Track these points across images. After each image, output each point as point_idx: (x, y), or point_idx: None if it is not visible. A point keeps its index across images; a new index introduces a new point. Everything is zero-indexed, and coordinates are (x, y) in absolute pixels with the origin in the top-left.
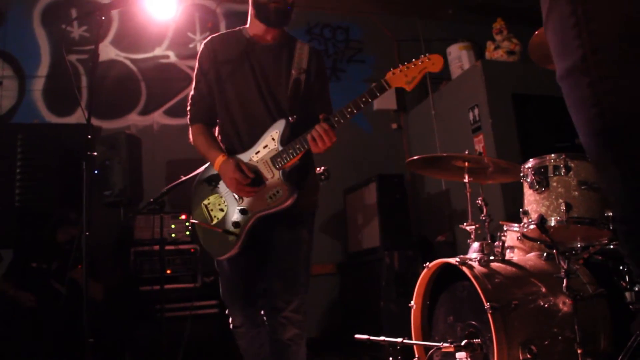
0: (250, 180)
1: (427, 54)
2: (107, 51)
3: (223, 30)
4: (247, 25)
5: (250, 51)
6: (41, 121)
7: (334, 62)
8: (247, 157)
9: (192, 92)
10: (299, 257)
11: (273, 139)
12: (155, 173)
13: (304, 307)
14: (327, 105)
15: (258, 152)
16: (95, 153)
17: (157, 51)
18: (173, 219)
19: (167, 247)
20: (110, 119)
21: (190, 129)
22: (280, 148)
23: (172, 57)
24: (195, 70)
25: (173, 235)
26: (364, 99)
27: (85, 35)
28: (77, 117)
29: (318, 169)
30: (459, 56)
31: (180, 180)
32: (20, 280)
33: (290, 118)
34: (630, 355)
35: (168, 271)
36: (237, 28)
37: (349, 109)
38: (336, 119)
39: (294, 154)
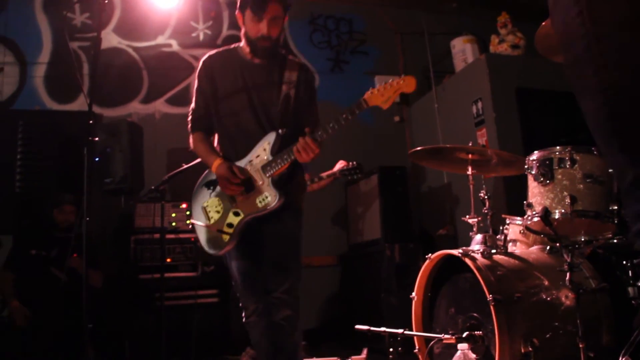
0: (238, 180)
1: (402, 76)
2: (110, 39)
3: (226, 20)
4: (242, 44)
5: (245, 69)
6: (42, 108)
7: (337, 53)
8: (241, 164)
9: (192, 105)
10: (288, 244)
11: (264, 150)
12: (156, 161)
13: (295, 291)
14: (314, 117)
15: (251, 161)
16: (97, 138)
17: (160, 40)
18: (174, 208)
19: (168, 236)
20: (112, 106)
21: (190, 137)
22: (270, 158)
23: (175, 46)
24: (195, 86)
25: (173, 224)
26: (344, 116)
27: (88, 22)
28: (78, 104)
29: (351, 163)
30: (462, 49)
31: (181, 169)
32: (20, 268)
33: (280, 130)
34: (633, 350)
35: (168, 260)
36: (233, 46)
37: (331, 125)
38: (319, 133)
39: (282, 164)
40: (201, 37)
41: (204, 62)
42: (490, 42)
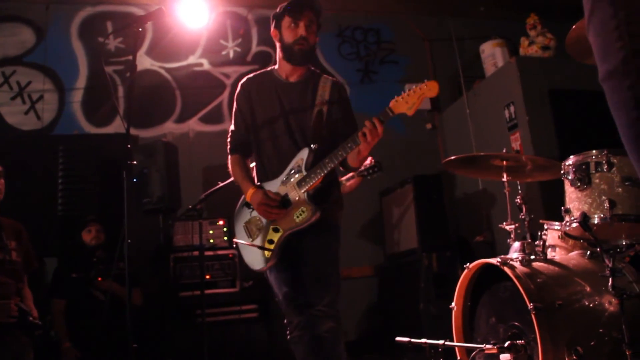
0: (276, 204)
1: (425, 80)
2: (142, 61)
3: (255, 37)
4: (277, 66)
5: (280, 90)
6: (80, 132)
7: (366, 64)
8: (277, 183)
9: (231, 127)
10: (327, 259)
11: (299, 166)
12: (192, 180)
13: (337, 303)
14: (353, 127)
15: (286, 177)
16: (135, 162)
17: (191, 59)
18: (211, 225)
19: (206, 253)
20: (147, 127)
21: (229, 158)
22: (305, 173)
23: (206, 65)
24: (234, 109)
25: (211, 240)
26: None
27: (121, 47)
28: (115, 127)
29: (367, 161)
30: (492, 54)
31: (217, 187)
32: (67, 293)
33: (312, 146)
34: None
35: (207, 276)
36: (269, 68)
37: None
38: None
39: (316, 178)
40: (231, 54)
41: (242, 85)
42: (520, 44)
